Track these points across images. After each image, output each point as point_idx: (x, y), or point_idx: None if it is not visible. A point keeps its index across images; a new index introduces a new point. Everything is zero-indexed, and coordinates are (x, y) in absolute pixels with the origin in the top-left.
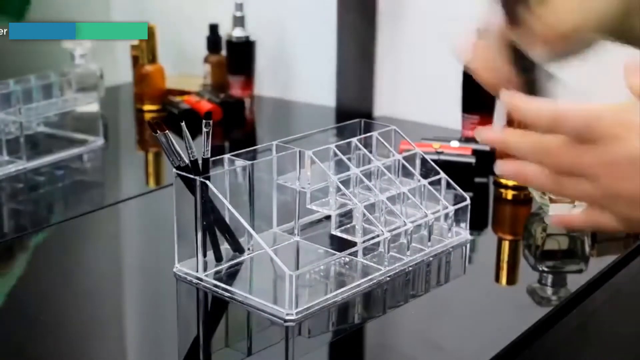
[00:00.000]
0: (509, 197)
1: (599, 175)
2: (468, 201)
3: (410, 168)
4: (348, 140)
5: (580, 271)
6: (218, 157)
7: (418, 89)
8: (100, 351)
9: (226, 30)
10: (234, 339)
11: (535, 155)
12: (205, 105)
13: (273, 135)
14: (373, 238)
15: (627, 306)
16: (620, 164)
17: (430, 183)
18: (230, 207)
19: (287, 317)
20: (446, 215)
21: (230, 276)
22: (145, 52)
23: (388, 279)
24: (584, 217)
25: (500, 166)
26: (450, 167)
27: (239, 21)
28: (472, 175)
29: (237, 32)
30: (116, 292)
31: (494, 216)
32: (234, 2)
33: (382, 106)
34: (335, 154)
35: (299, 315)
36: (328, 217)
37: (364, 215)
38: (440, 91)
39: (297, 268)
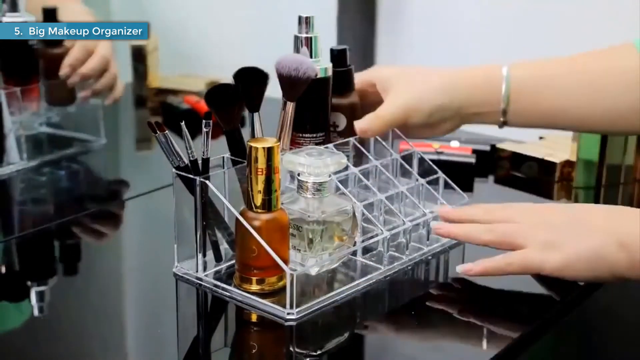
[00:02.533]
0: None
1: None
2: (466, 200)
3: (409, 167)
4: (347, 139)
5: None
6: (218, 156)
7: None
8: (100, 351)
9: None
10: (234, 339)
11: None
12: (205, 105)
13: (274, 135)
14: (372, 237)
15: (627, 306)
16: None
17: (429, 182)
18: (230, 207)
19: (288, 317)
20: None
21: (230, 276)
22: None
23: (387, 278)
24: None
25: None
26: (450, 167)
27: None
28: (472, 175)
29: None
30: (116, 292)
31: None
32: None
33: None
34: None
35: (299, 315)
36: None
37: (363, 214)
38: None
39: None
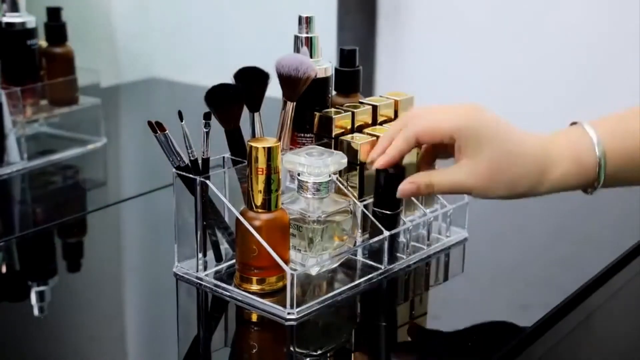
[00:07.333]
0: None
1: None
2: (466, 200)
3: None
4: None
5: None
6: (218, 156)
7: (418, 88)
8: (100, 351)
9: None
10: (234, 339)
11: None
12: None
13: (274, 135)
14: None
15: (627, 306)
16: None
17: None
18: (230, 206)
19: (288, 317)
20: (445, 214)
21: (230, 276)
22: None
23: (387, 278)
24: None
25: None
26: None
27: None
28: None
29: None
30: (116, 292)
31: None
32: None
33: None
34: None
35: (300, 315)
36: None
37: (364, 214)
38: (440, 91)
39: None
